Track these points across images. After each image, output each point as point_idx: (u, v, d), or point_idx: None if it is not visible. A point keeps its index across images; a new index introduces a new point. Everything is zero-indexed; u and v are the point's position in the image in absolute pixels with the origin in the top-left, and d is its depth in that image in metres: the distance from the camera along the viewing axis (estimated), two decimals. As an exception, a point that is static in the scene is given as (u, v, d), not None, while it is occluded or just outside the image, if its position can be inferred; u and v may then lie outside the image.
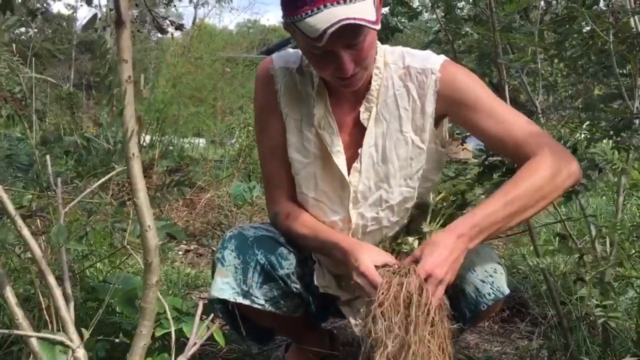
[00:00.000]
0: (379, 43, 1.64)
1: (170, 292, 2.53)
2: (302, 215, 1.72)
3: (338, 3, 1.35)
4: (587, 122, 2.30)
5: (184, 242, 4.05)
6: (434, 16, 2.30)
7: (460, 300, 1.63)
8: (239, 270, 1.66)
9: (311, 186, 1.71)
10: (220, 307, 1.70)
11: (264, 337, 1.97)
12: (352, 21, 1.35)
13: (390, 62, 1.65)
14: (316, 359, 1.95)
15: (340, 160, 1.67)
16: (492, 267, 1.66)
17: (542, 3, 2.29)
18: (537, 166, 1.47)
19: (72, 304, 1.08)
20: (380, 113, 1.65)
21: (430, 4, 2.23)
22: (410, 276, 1.37)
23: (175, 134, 5.73)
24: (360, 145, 1.66)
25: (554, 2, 2.39)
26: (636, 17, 1.85)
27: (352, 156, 1.67)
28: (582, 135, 2.43)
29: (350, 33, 1.40)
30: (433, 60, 1.62)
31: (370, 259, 1.48)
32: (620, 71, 2.25)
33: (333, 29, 1.34)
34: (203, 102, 5.92)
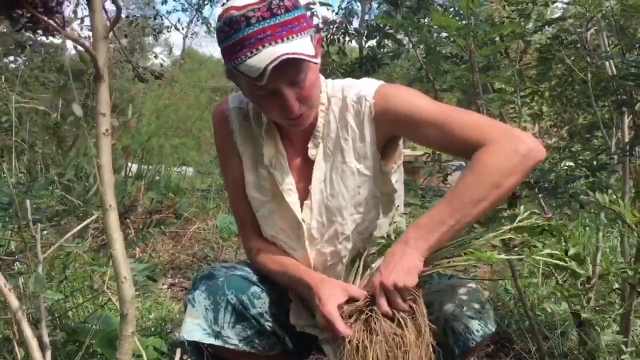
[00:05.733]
0: (323, 78, 1.67)
1: (153, 329, 2.51)
2: (272, 251, 1.74)
3: (276, 42, 1.38)
4: (568, 158, 2.34)
5: (169, 275, 4.03)
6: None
7: (448, 337, 1.62)
8: (209, 311, 1.65)
9: (269, 224, 1.73)
10: (191, 350, 1.68)
11: None
12: (291, 56, 1.37)
13: (331, 96, 1.67)
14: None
15: (291, 198, 1.68)
16: (480, 303, 1.66)
17: (521, 42, 2.34)
18: (481, 157, 1.43)
19: (49, 353, 1.08)
20: (326, 147, 1.67)
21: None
22: (378, 320, 1.38)
23: (161, 165, 5.72)
24: (311, 182, 1.67)
25: (532, 40, 2.44)
26: (610, 61, 1.90)
27: (304, 193, 1.69)
28: (564, 168, 2.47)
29: (291, 68, 1.42)
30: (367, 88, 1.63)
31: (333, 299, 1.48)
32: (602, 104, 2.31)
33: (273, 64, 1.36)
34: (189, 132, 5.93)
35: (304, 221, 1.69)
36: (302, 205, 1.70)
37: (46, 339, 1.10)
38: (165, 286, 3.85)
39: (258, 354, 1.73)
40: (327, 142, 1.67)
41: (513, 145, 1.42)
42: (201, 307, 1.65)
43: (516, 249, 1.61)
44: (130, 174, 5.43)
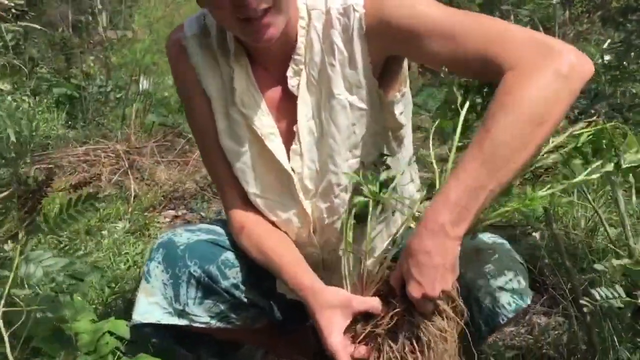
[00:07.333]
0: None
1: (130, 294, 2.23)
2: (257, 234, 1.41)
3: None
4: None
5: (172, 207, 3.75)
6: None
7: (474, 312, 1.31)
8: (168, 287, 1.38)
9: (251, 180, 1.40)
10: (150, 330, 1.42)
11: (227, 351, 1.67)
12: None
13: (311, 8, 1.29)
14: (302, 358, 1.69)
15: (274, 144, 1.35)
16: (512, 269, 1.34)
17: None
18: (512, 87, 1.07)
19: None
20: (310, 76, 1.31)
21: None
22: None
23: (159, 84, 5.33)
24: (296, 121, 1.33)
25: None
26: None
27: (289, 135, 1.35)
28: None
29: None
30: None
31: (334, 327, 1.18)
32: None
33: None
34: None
35: (293, 171, 1.35)
36: (288, 151, 1.35)
37: None
38: (167, 219, 3.58)
39: (237, 329, 1.48)
40: (311, 69, 1.30)
41: (551, 64, 1.06)
42: (158, 282, 1.38)
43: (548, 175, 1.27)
44: (130, 94, 5.07)
